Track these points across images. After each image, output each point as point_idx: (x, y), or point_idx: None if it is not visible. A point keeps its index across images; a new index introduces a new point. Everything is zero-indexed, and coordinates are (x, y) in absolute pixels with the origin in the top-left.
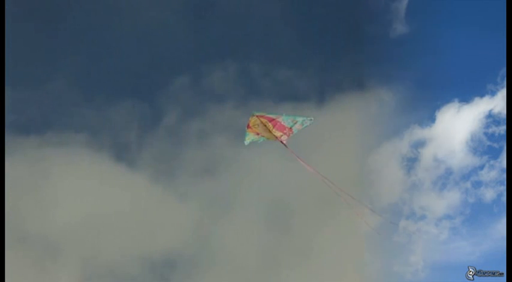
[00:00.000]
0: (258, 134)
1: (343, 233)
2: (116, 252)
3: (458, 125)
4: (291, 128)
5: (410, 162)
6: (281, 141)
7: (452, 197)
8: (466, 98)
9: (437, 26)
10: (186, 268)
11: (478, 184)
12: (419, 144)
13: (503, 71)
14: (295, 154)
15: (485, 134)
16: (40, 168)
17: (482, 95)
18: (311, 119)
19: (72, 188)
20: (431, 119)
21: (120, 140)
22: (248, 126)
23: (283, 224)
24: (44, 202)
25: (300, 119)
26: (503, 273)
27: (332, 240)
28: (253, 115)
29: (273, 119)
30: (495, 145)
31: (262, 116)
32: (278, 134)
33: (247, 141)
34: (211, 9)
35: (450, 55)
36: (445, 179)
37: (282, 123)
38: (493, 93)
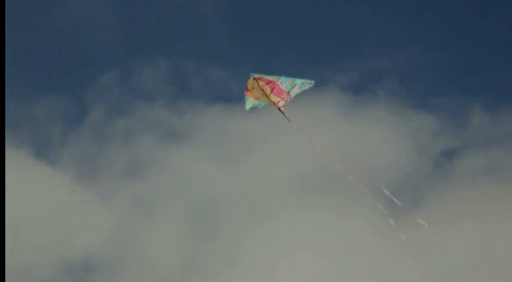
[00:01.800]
0: (258, 98)
1: (272, 237)
2: (31, 253)
3: None
4: (289, 92)
5: None
6: (278, 108)
7: None
8: None
9: None
10: (105, 272)
11: None
12: None
13: None
14: (296, 125)
15: None
16: None
17: None
18: (310, 83)
19: None
20: None
21: (42, 136)
22: (247, 89)
23: (210, 229)
24: None
25: (299, 82)
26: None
27: (260, 245)
28: (252, 77)
29: (271, 81)
30: None
31: (260, 78)
32: (276, 99)
33: (248, 107)
34: (142, 3)
35: None
36: None
37: (280, 86)
38: None
